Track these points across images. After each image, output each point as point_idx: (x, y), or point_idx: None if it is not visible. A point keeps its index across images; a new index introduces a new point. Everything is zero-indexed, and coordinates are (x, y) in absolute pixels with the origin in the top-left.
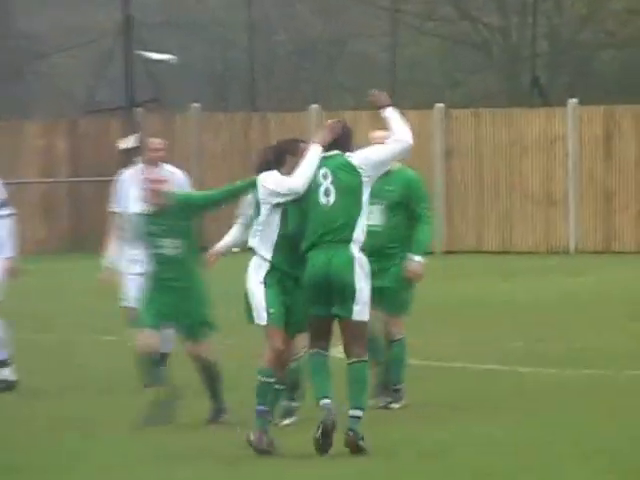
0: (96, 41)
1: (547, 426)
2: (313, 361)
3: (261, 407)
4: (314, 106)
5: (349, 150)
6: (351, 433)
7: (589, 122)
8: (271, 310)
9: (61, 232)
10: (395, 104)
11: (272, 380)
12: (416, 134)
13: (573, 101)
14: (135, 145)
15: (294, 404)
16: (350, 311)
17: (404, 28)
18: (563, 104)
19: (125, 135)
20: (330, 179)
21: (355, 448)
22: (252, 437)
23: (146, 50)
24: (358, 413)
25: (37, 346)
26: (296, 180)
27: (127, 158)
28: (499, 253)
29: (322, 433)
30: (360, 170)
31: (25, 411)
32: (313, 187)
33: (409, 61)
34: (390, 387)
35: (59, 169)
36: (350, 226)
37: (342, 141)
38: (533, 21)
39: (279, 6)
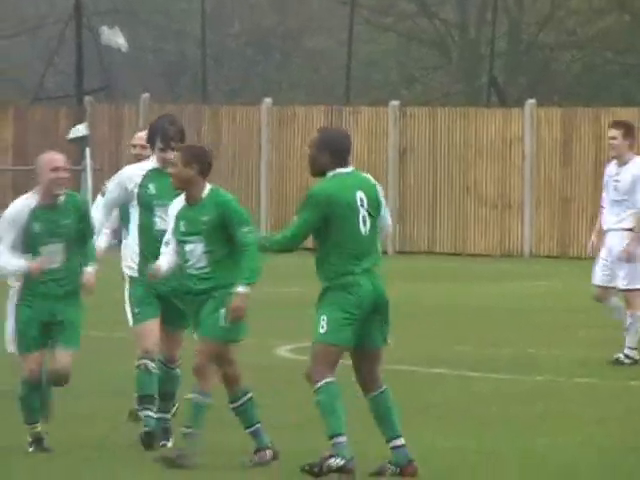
0: (45, 28)
1: (494, 433)
2: (332, 391)
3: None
4: (267, 100)
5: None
6: (413, 462)
7: (547, 124)
8: (136, 310)
9: None
10: (350, 101)
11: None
12: (370, 132)
13: (531, 102)
14: (85, 134)
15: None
16: (385, 338)
17: (361, 23)
18: (521, 105)
19: (73, 124)
20: (366, 205)
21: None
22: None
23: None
24: (403, 441)
25: None
26: None
27: (77, 147)
28: (452, 255)
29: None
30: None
31: None
32: (349, 211)
33: (365, 58)
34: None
35: (4, 157)
36: (379, 250)
37: (347, 152)
38: (493, 18)
39: None
